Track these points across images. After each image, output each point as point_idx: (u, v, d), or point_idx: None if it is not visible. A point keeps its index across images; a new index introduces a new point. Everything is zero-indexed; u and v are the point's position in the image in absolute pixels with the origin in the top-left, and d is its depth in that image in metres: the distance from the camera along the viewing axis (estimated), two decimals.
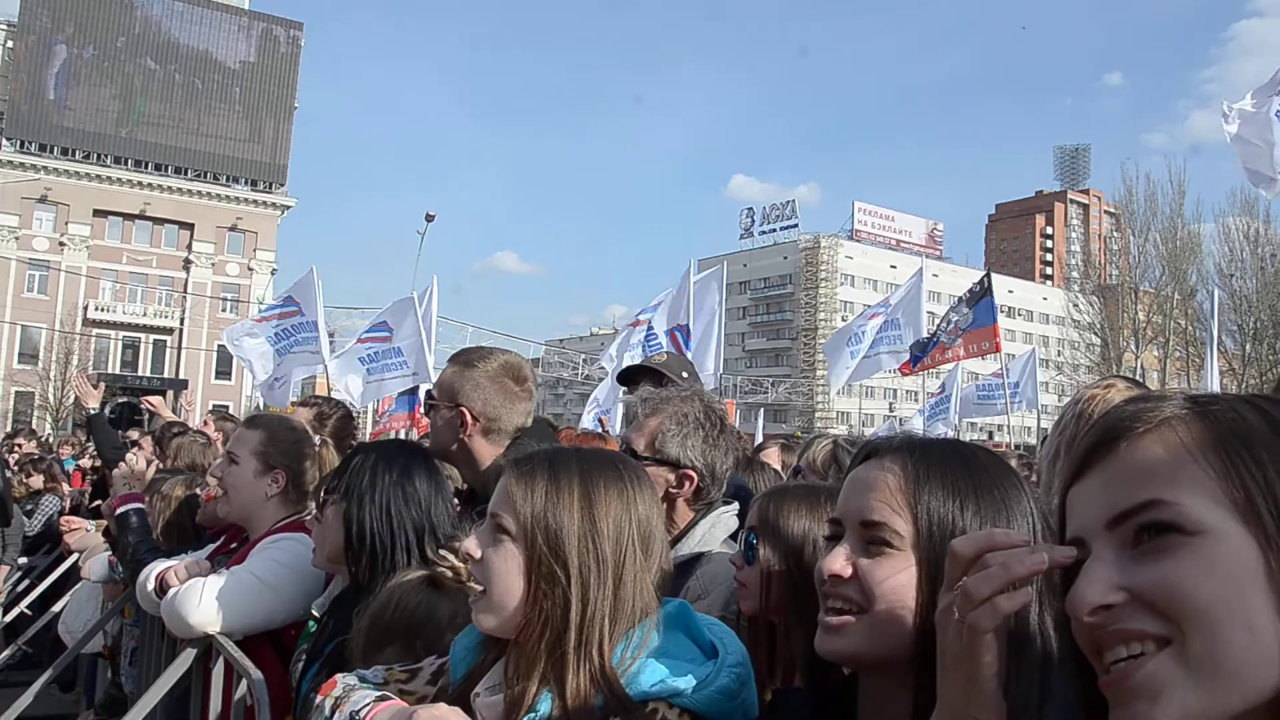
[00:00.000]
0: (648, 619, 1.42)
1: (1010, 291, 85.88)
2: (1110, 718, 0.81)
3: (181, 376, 53.36)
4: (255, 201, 58.38)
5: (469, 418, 2.67)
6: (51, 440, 17.90)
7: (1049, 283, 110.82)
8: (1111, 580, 0.81)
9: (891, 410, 62.06)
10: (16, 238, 52.68)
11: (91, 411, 5.66)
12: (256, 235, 58.35)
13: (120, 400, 39.22)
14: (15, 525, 7.52)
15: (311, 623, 2.55)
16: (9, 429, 26.92)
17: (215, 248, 57.26)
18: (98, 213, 54.61)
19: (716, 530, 2.41)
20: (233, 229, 57.71)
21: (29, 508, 8.39)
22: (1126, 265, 60.21)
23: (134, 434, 9.78)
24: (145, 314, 54.99)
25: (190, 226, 56.69)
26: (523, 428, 2.75)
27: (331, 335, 14.03)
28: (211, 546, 3.41)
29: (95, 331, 52.91)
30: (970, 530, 1.13)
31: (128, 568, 3.41)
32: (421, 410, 13.69)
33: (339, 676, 1.68)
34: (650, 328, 11.36)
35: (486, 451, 2.70)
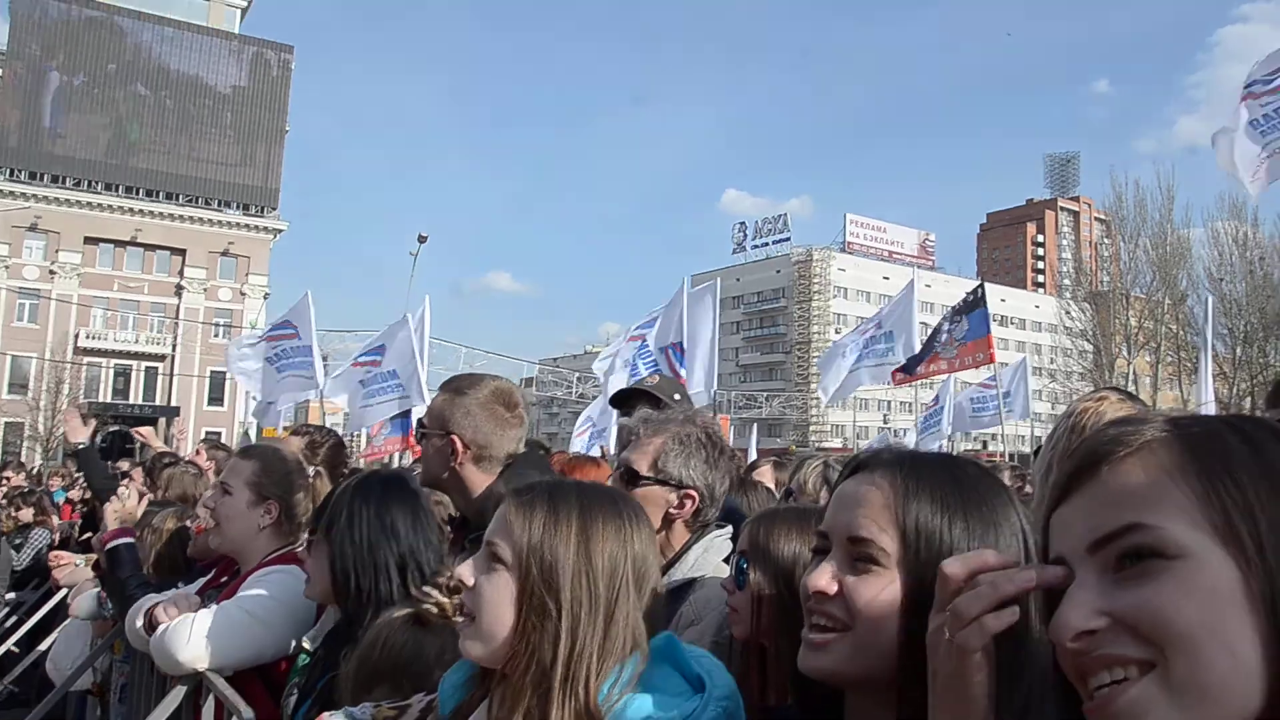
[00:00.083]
0: (636, 653, 1.40)
1: (1002, 300, 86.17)
2: None
3: (174, 404, 53.25)
4: (247, 226, 58.41)
5: (460, 445, 2.66)
6: (41, 472, 17.81)
7: (1041, 290, 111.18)
8: (1094, 605, 0.81)
9: (886, 422, 62.09)
10: (6, 266, 52.61)
11: (81, 446, 5.63)
12: (249, 260, 58.35)
13: (111, 429, 39.08)
14: (2, 560, 7.47)
15: (303, 655, 2.54)
16: None
17: (207, 273, 57.25)
18: (88, 240, 54.56)
19: (710, 554, 2.40)
20: (225, 254, 57.71)
21: (18, 541, 8.32)
22: (1117, 271, 60.47)
23: (124, 464, 9.75)
24: (137, 341, 54.88)
25: (182, 252, 56.67)
26: (514, 454, 2.74)
27: (325, 359, 14.03)
28: (202, 580, 3.39)
29: (86, 360, 52.77)
30: (958, 547, 1.13)
31: (117, 604, 3.38)
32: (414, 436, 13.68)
33: (326, 715, 1.67)
34: (644, 343, 11.36)
35: (478, 479, 2.69)
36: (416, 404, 12.56)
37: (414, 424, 14.10)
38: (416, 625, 1.83)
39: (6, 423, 49.98)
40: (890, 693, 1.14)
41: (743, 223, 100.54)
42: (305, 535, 2.74)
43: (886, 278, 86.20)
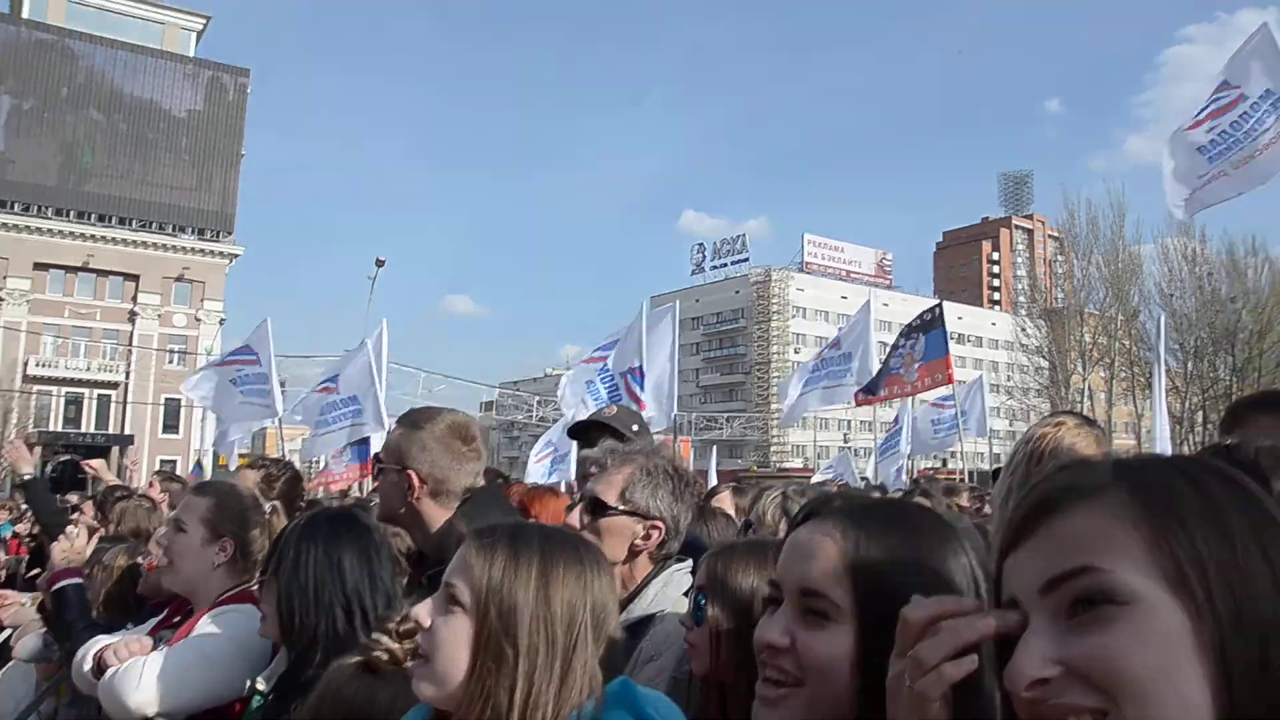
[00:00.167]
0: (591, 698, 1.39)
1: (959, 318, 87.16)
2: None
3: (127, 432, 52.37)
4: (202, 251, 57.76)
5: (416, 480, 2.64)
6: None
7: (997, 308, 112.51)
8: (1047, 653, 0.81)
9: (846, 441, 62.47)
10: None
11: (27, 477, 5.49)
12: (204, 285, 57.66)
13: (62, 459, 38.37)
14: None
15: (257, 697, 2.49)
16: None
17: (161, 299, 56.50)
18: (38, 266, 53.64)
19: (669, 588, 2.40)
20: (179, 279, 57.01)
21: None
22: (1071, 288, 61.41)
23: (74, 497, 9.54)
24: (89, 369, 53.94)
25: (135, 278, 55.90)
26: (472, 488, 2.72)
27: (282, 384, 13.89)
28: (154, 620, 3.32)
29: (36, 388, 51.74)
30: (910, 597, 1.13)
31: (64, 646, 3.30)
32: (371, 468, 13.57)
33: None
34: (605, 366, 11.35)
35: (436, 514, 2.67)
36: (375, 430, 12.48)
37: (373, 451, 14.02)
38: (367, 674, 1.80)
39: None
40: None
41: (701, 244, 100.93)
42: (260, 574, 2.70)
43: (845, 297, 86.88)
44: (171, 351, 54.80)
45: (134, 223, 56.05)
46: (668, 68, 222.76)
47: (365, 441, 13.17)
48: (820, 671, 1.14)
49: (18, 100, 53.83)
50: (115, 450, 48.72)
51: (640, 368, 10.71)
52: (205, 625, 2.83)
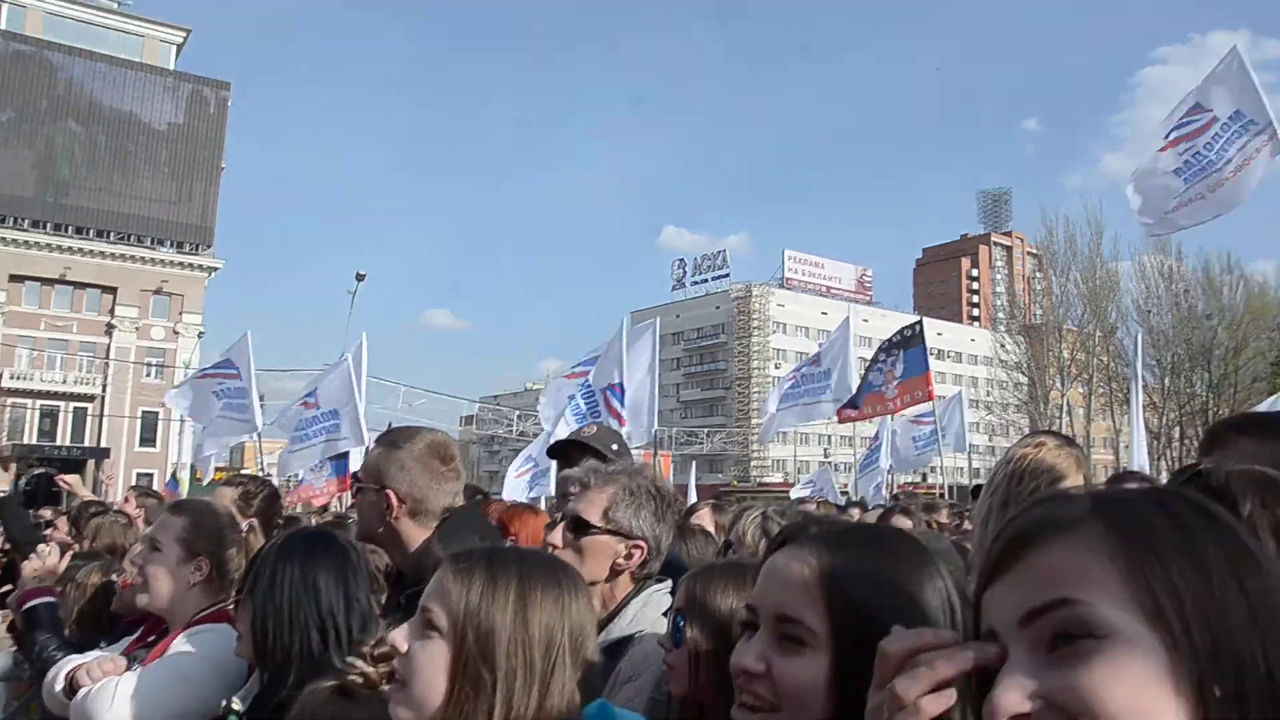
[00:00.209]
0: None
1: (939, 334, 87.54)
2: None
3: (103, 445, 51.92)
4: (181, 264, 57.42)
5: (395, 500, 2.64)
6: None
7: (976, 324, 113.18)
8: (1026, 687, 0.80)
9: (826, 456, 62.58)
10: None
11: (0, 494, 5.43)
12: (183, 298, 57.29)
13: (37, 472, 37.95)
14: None
15: (232, 716, 2.47)
16: None
17: (139, 311, 56.08)
18: (14, 278, 53.13)
19: (648, 609, 2.40)
20: (157, 292, 56.62)
21: None
22: (1050, 305, 61.93)
23: (48, 512, 9.44)
24: (65, 381, 53.39)
25: (113, 290, 55.48)
26: (451, 508, 2.72)
27: (261, 398, 13.82)
28: (128, 639, 3.28)
29: (11, 401, 51.19)
30: (886, 624, 1.13)
31: (35, 666, 3.26)
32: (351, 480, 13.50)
33: None
34: (586, 382, 11.33)
35: (414, 534, 2.66)
36: (356, 444, 12.42)
37: (352, 466, 13.94)
38: (342, 697, 1.79)
39: None
40: None
41: (682, 259, 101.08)
42: (236, 593, 2.68)
43: (825, 313, 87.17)
44: (149, 365, 54.37)
45: (112, 235, 55.67)
46: (648, 83, 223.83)
47: (344, 456, 13.10)
48: (795, 698, 1.14)
49: None
50: (91, 464, 48.29)
51: (620, 384, 10.70)
52: (180, 644, 2.80)
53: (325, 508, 13.10)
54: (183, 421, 47.11)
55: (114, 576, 3.86)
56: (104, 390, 53.83)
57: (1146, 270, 54.28)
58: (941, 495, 14.99)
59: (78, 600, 3.88)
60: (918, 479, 47.62)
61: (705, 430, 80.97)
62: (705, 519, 4.62)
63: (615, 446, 3.50)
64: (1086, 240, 57.44)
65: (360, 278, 32.70)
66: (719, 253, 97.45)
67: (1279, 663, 0.76)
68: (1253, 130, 7.50)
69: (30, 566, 3.54)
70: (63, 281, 54.50)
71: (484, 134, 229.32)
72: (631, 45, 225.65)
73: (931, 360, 14.47)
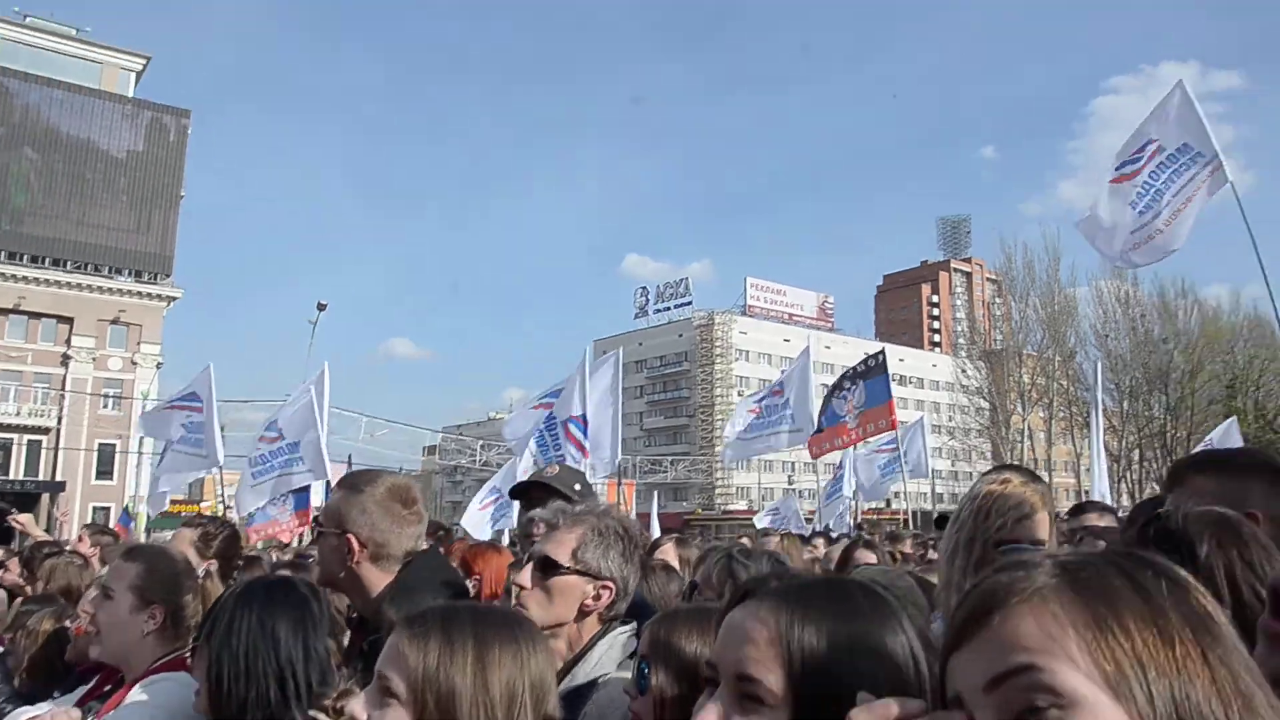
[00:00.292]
0: None
1: (901, 360, 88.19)
2: None
3: (59, 478, 50.90)
4: (139, 293, 56.64)
5: (356, 545, 2.61)
6: None
7: (938, 349, 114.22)
8: None
9: (790, 483, 62.66)
10: None
11: None
12: (141, 328, 56.45)
13: None
14: None
15: None
16: None
17: (96, 342, 55.18)
18: None
19: (613, 651, 2.38)
20: (115, 322, 55.75)
21: None
22: (1010, 330, 62.73)
23: None
24: (19, 414, 52.31)
25: (69, 320, 54.56)
26: (413, 552, 2.69)
27: (222, 428, 13.66)
28: (84, 689, 3.21)
29: None
30: (847, 683, 1.13)
31: None
32: (312, 513, 13.39)
33: None
34: (552, 416, 11.30)
35: (377, 579, 2.63)
36: (319, 477, 12.30)
37: (313, 498, 13.79)
38: None
39: None
40: None
41: (644, 287, 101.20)
42: (193, 641, 2.64)
43: (787, 340, 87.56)
44: (106, 396, 53.49)
45: (68, 264, 54.84)
46: (609, 112, 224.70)
47: (305, 489, 12.97)
48: None
49: None
50: (46, 497, 47.35)
51: (583, 415, 10.68)
52: (136, 694, 2.74)
53: (286, 544, 12.92)
54: (140, 454, 46.51)
55: (68, 623, 3.78)
56: (59, 422, 52.81)
57: (1104, 295, 55.20)
58: (905, 522, 15.06)
59: (29, 648, 3.78)
60: (881, 505, 47.78)
61: (669, 458, 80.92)
62: (669, 554, 4.59)
63: (578, 486, 3.49)
64: (1045, 266, 58.39)
65: (321, 307, 32.50)
66: (681, 280, 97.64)
67: None
68: (1200, 162, 7.70)
69: None
70: (17, 311, 53.53)
71: (444, 164, 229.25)
72: (592, 75, 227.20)
73: (894, 386, 14.57)
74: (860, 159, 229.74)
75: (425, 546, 2.82)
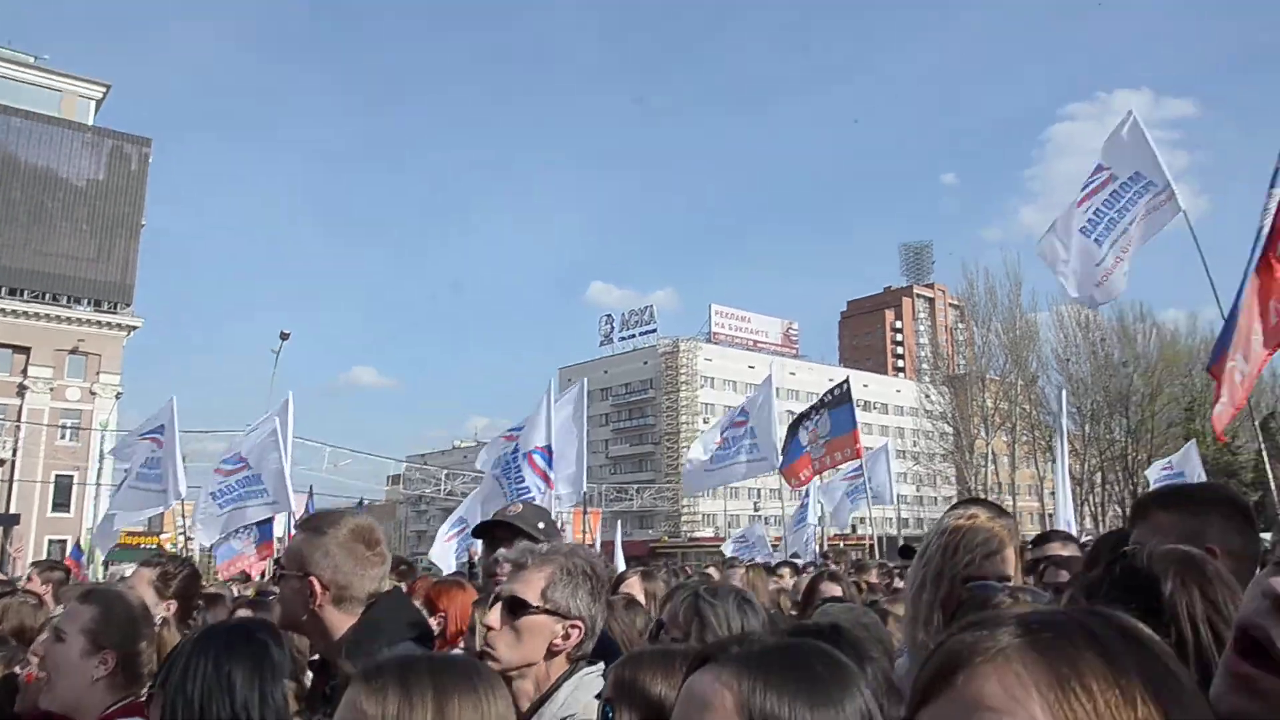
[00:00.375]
0: None
1: (865, 385, 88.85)
2: None
3: (14, 510, 49.89)
4: (98, 323, 55.90)
5: (319, 587, 2.58)
6: None
7: (901, 375, 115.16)
8: None
9: (756, 509, 62.74)
10: None
11: None
12: (100, 358, 55.66)
13: None
14: None
15: None
16: None
17: (54, 371, 54.32)
18: None
19: (580, 692, 2.37)
20: (73, 351, 54.92)
21: None
22: (972, 355, 63.44)
23: None
24: None
25: (26, 350, 53.72)
26: (376, 593, 2.66)
27: (184, 458, 13.48)
28: None
29: None
30: None
31: None
32: (275, 545, 13.23)
33: None
34: (516, 449, 11.25)
35: (339, 621, 2.60)
36: (284, 509, 12.18)
37: (276, 530, 13.63)
38: None
39: None
40: None
41: (609, 315, 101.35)
42: (149, 689, 2.58)
43: (752, 366, 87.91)
44: (63, 427, 52.63)
45: (25, 293, 54.06)
46: (571, 140, 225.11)
47: (269, 520, 12.83)
48: None
49: None
50: (0, 530, 46.42)
51: (548, 446, 10.66)
52: None
53: (246, 577, 12.74)
54: (99, 485, 45.78)
55: (18, 669, 3.68)
56: (14, 454, 51.86)
57: (1064, 320, 56.07)
58: (871, 548, 15.12)
59: None
60: (847, 531, 47.99)
61: (635, 486, 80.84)
62: (635, 587, 4.58)
63: (542, 525, 3.48)
64: (1006, 291, 59.21)
65: (284, 336, 32.33)
66: (646, 308, 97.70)
67: None
68: (1152, 191, 7.87)
69: None
70: None
71: (408, 192, 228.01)
72: (555, 101, 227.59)
73: (858, 412, 14.71)
74: (822, 186, 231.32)
75: (389, 587, 2.79)
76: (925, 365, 70.91)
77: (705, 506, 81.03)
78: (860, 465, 16.09)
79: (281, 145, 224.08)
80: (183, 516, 13.60)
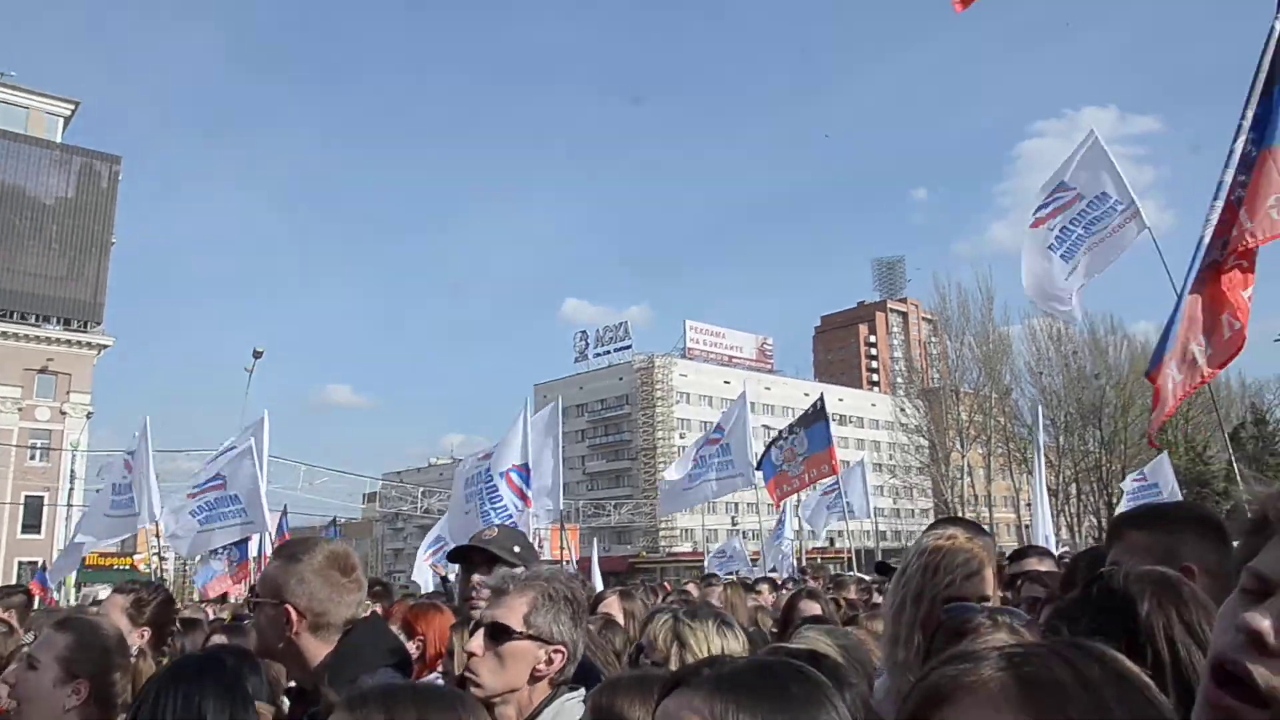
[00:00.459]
0: None
1: (840, 400, 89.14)
2: None
3: None
4: (68, 341, 55.28)
5: (295, 614, 2.55)
6: None
7: (876, 389, 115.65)
8: None
9: (734, 524, 62.80)
10: None
11: None
12: (70, 377, 55.01)
13: None
14: None
15: None
16: None
17: (23, 391, 53.62)
18: None
19: (562, 718, 2.37)
20: (43, 371, 54.25)
21: None
22: (946, 369, 63.82)
23: None
24: None
25: None
26: (353, 620, 2.64)
27: (157, 477, 13.35)
28: None
29: None
30: None
31: None
32: (251, 565, 13.13)
33: None
34: (489, 470, 11.20)
35: (316, 649, 2.58)
36: (260, 529, 12.08)
37: (252, 549, 13.51)
38: None
39: None
40: None
41: (584, 331, 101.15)
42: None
43: (727, 382, 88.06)
44: (33, 447, 51.96)
45: None
46: (545, 157, 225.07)
47: (245, 541, 12.71)
48: None
49: None
50: None
51: (525, 463, 10.63)
52: None
53: (224, 598, 12.63)
54: (70, 506, 45.20)
55: None
56: None
57: (1036, 333, 56.49)
58: (849, 561, 15.16)
59: None
60: (825, 544, 48.14)
61: (612, 502, 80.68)
62: (613, 607, 4.56)
63: (518, 549, 3.46)
64: (978, 305, 59.65)
65: (258, 354, 32.10)
66: (620, 324, 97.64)
67: None
68: (1119, 210, 7.97)
69: None
70: None
71: (382, 210, 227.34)
72: (529, 122, 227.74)
73: (834, 426, 14.78)
74: (795, 201, 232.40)
75: (367, 613, 2.77)
76: (900, 379, 71.13)
77: (683, 521, 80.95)
78: (836, 481, 16.16)
79: (253, 162, 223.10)
80: (156, 537, 13.44)
